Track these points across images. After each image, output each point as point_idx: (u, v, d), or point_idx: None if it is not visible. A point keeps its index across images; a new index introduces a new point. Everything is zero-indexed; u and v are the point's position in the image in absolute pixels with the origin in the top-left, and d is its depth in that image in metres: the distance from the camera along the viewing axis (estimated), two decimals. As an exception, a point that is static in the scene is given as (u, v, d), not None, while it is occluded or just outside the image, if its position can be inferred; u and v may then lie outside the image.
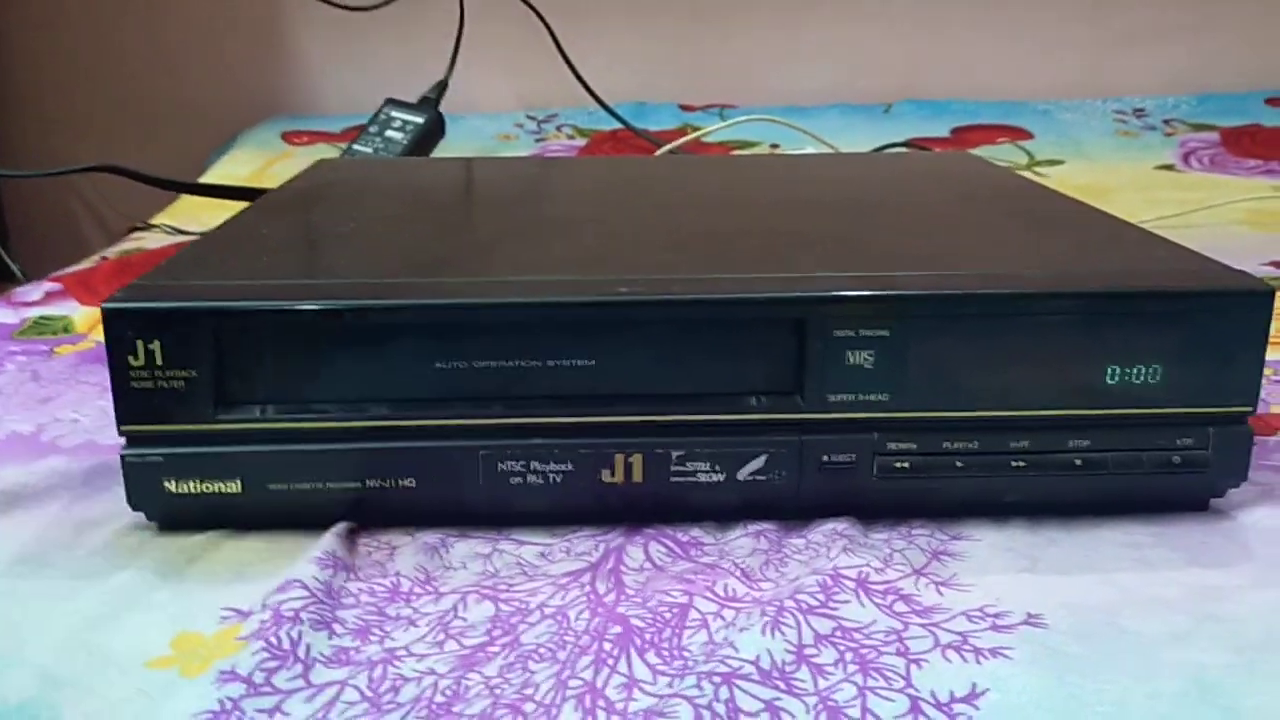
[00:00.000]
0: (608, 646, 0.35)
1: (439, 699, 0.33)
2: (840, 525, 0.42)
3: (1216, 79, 1.27)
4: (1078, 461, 0.42)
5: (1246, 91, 1.25)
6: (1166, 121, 1.20)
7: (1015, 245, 0.49)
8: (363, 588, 0.39)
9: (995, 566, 0.40)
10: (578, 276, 0.43)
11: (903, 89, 1.28)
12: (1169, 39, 1.28)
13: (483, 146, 1.17)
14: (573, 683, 0.33)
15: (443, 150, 1.06)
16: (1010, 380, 0.41)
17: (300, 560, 0.40)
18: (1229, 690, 0.33)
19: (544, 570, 0.40)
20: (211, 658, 0.35)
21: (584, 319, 0.41)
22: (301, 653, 0.35)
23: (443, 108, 1.04)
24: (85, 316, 0.70)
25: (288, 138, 1.20)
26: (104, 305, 0.40)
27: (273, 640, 0.35)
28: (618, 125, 1.15)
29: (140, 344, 0.40)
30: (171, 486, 0.41)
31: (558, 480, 0.42)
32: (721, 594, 0.38)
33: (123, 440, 0.41)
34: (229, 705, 0.32)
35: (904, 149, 1.06)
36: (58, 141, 1.35)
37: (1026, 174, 1.06)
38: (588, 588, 0.39)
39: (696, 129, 1.19)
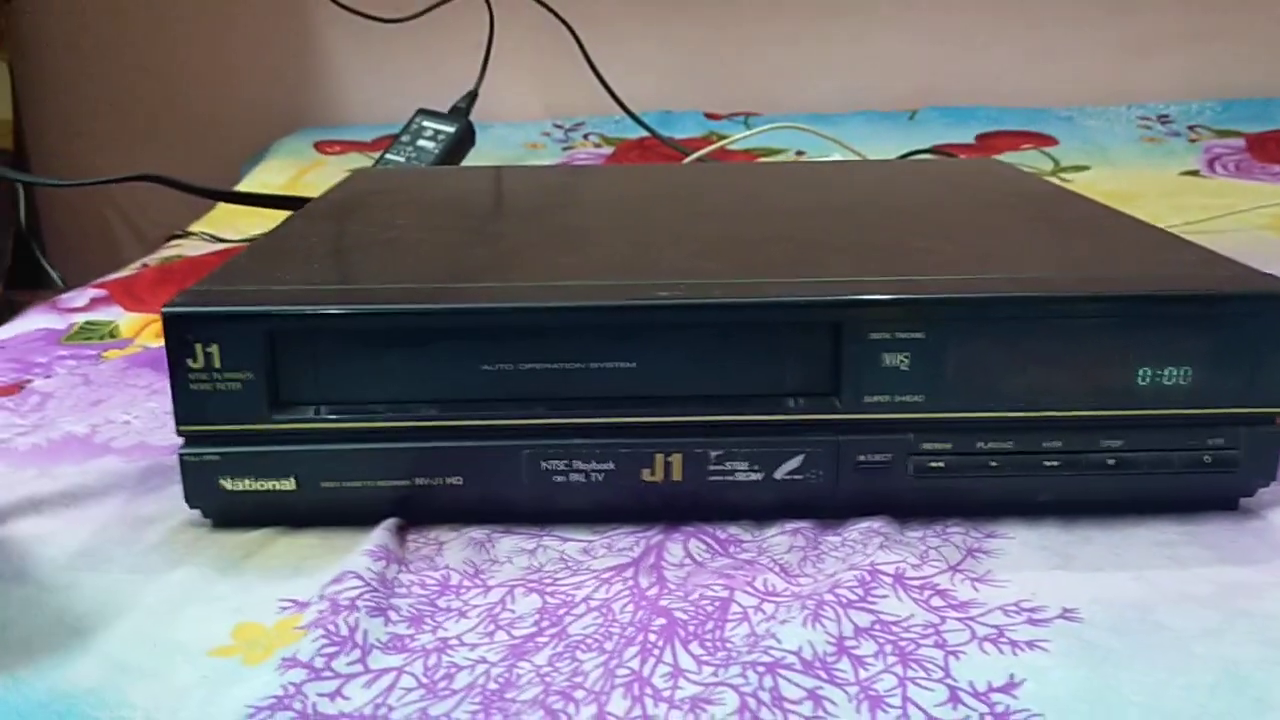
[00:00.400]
0: (653, 638, 0.36)
1: (492, 686, 0.34)
2: (876, 524, 0.43)
3: (1240, 84, 1.28)
4: (1110, 461, 0.43)
5: (1271, 97, 1.25)
6: (1191, 127, 1.20)
7: (1045, 249, 0.50)
8: (414, 579, 0.40)
9: (1029, 563, 0.41)
10: (619, 281, 0.44)
11: (927, 96, 1.29)
12: (1192, 44, 1.28)
13: (511, 155, 1.19)
14: (620, 671, 0.35)
15: (472, 159, 1.07)
16: (1043, 381, 0.42)
17: (354, 553, 0.41)
18: (1261, 683, 0.33)
19: (587, 565, 0.41)
20: (273, 646, 0.36)
21: (626, 322, 0.42)
22: (360, 638, 0.36)
23: (471, 117, 1.06)
24: (131, 322, 0.72)
25: (320, 147, 1.22)
26: (164, 310, 0.41)
27: (331, 628, 0.36)
28: (644, 134, 1.17)
29: (199, 347, 0.41)
30: (228, 484, 0.43)
31: (599, 479, 0.43)
32: (761, 588, 0.39)
33: (179, 440, 0.43)
34: (291, 690, 0.34)
35: (930, 155, 1.07)
36: (90, 152, 1.37)
37: (1051, 180, 1.07)
38: (630, 582, 0.40)
39: (722, 137, 1.20)
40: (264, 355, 0.41)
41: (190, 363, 0.41)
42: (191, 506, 0.44)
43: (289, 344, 0.42)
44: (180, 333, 0.41)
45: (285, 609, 0.38)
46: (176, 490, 0.43)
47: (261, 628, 0.37)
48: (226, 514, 0.44)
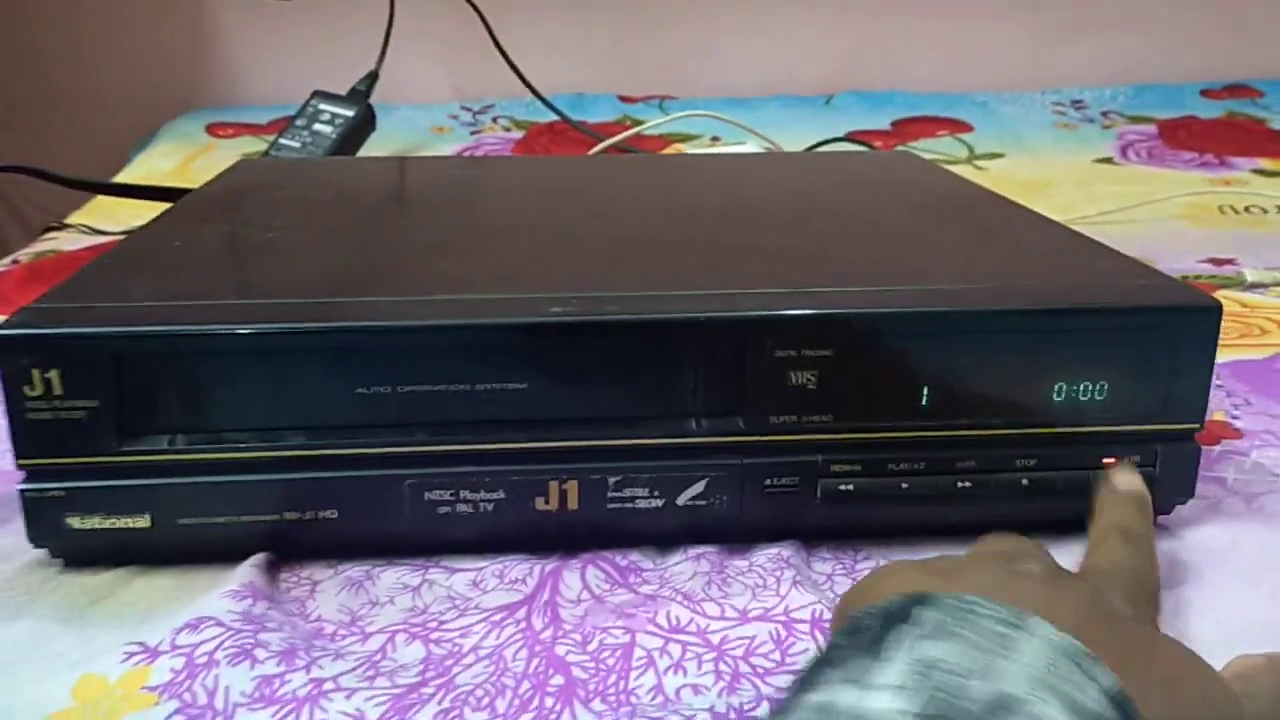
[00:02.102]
0: (550, 702, 0.33)
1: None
2: (785, 550, 0.40)
3: (1152, 70, 1.28)
4: (1024, 481, 0.41)
5: (1182, 82, 1.26)
6: (1105, 114, 1.20)
7: (959, 256, 0.48)
8: (284, 622, 0.37)
9: (942, 593, 0.39)
10: (509, 295, 0.41)
11: (844, 80, 1.27)
12: (1106, 30, 1.28)
13: (416, 139, 1.14)
14: (506, 734, 0.32)
15: (374, 143, 1.03)
16: (956, 399, 0.40)
17: (213, 595, 0.37)
18: None
19: (476, 602, 0.38)
20: (118, 711, 0.32)
21: (516, 341, 0.39)
22: (220, 703, 0.33)
23: (375, 98, 1.01)
24: (-8, 326, 0.66)
25: (212, 130, 1.16)
26: (-4, 331, 0.37)
27: (187, 697, 0.33)
28: (555, 117, 1.13)
29: (37, 373, 0.37)
30: (75, 522, 0.39)
31: (489, 509, 0.40)
32: (665, 625, 0.37)
33: (22, 474, 0.39)
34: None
35: (843, 143, 1.05)
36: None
37: (966, 168, 1.06)
38: (523, 624, 0.37)
39: (636, 121, 1.17)
40: (111, 380, 0.37)
41: (28, 390, 0.37)
42: (36, 546, 0.40)
43: (138, 368, 0.38)
44: (15, 357, 0.37)
45: (133, 656, 0.35)
46: (23, 525, 0.39)
47: (104, 683, 0.34)
48: (76, 553, 0.40)
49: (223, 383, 0.38)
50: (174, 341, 0.38)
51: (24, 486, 0.38)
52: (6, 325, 0.37)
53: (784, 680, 0.34)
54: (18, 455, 0.38)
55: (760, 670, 0.35)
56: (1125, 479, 0.38)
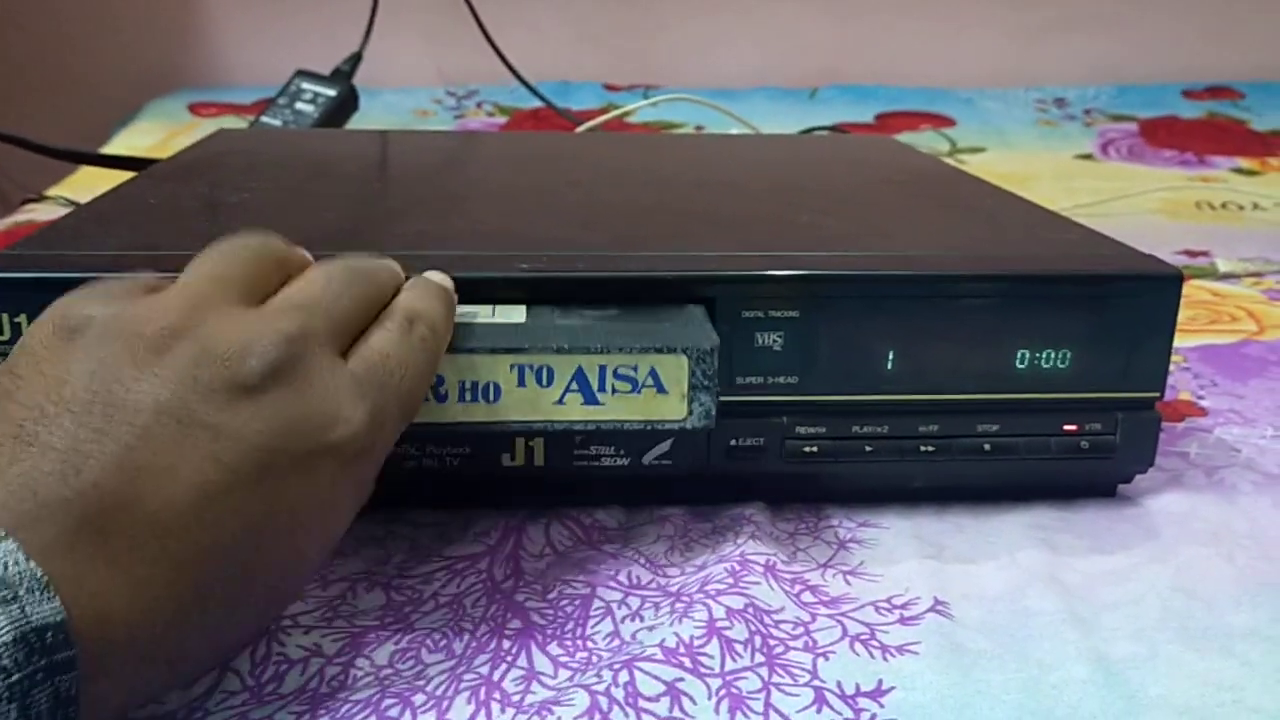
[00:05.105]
0: (506, 644, 0.34)
1: (324, 689, 0.31)
2: (748, 511, 0.41)
3: (1136, 71, 1.30)
4: (986, 446, 0.41)
5: (1164, 83, 1.27)
6: (1086, 112, 1.21)
7: (931, 228, 0.48)
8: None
9: (902, 555, 0.39)
10: (476, 252, 0.41)
11: (829, 74, 1.28)
12: (1091, 30, 1.29)
13: (399, 122, 1.14)
14: (468, 676, 0.32)
15: (356, 125, 1.03)
16: (920, 363, 0.40)
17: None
18: (1133, 678, 0.32)
19: (440, 551, 0.39)
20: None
21: (483, 296, 0.39)
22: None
23: (359, 81, 1.01)
24: (-33, 290, 0.66)
25: (195, 109, 1.16)
26: (-35, 275, 0.37)
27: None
28: (540, 104, 1.13)
29: (5, 317, 0.37)
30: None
31: (454, 464, 0.40)
32: (626, 582, 0.37)
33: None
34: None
35: (830, 133, 1.06)
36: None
37: (948, 160, 1.06)
38: (484, 575, 0.37)
39: (620, 109, 1.17)
40: (80, 327, 0.37)
41: (-5, 335, 0.37)
42: None
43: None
44: (-16, 301, 0.37)
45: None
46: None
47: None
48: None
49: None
50: (143, 288, 0.38)
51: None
52: (-25, 269, 0.37)
53: (734, 601, 0.34)
54: (-16, 400, 0.38)
55: (713, 593, 0.35)
56: (438, 275, 0.35)
